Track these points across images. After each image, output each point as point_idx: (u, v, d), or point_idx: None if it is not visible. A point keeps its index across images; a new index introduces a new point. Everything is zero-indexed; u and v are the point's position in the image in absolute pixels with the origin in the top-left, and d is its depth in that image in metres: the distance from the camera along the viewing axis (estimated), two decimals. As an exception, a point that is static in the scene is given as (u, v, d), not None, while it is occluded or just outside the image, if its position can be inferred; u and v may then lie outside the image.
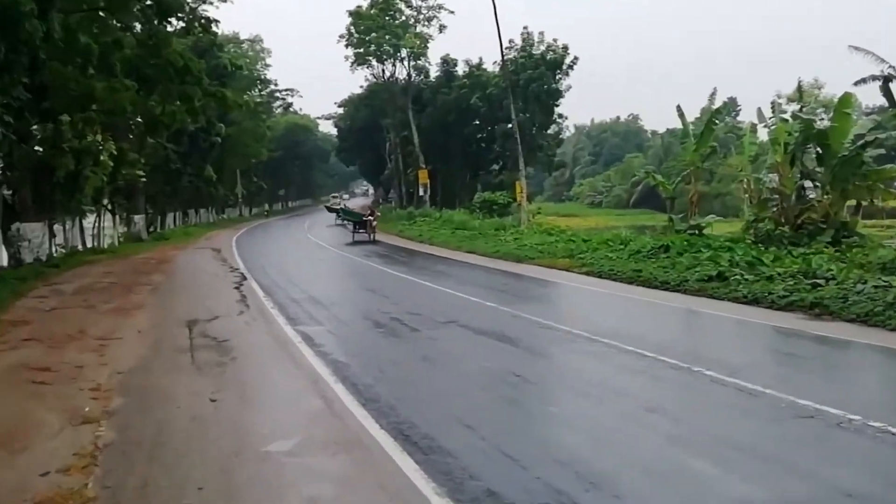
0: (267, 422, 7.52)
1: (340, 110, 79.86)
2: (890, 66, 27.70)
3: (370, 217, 36.61)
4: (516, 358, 10.24)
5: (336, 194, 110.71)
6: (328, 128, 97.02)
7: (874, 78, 28.45)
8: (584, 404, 8.02)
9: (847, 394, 8.08)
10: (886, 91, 29.21)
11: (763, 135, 29.92)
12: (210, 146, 49.71)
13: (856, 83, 29.16)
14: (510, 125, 41.47)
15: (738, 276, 15.40)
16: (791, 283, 14.23)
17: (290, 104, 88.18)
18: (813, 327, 11.79)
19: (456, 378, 9.22)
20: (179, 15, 24.70)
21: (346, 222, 45.36)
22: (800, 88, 42.61)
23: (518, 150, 37.46)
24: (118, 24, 23.49)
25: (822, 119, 33.59)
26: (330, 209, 63.66)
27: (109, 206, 36.90)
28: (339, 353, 10.52)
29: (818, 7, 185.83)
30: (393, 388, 8.66)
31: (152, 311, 15.26)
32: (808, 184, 25.01)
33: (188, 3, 29.78)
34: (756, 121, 28.87)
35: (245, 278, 20.29)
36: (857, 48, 27.97)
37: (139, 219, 39.30)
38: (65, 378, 9.31)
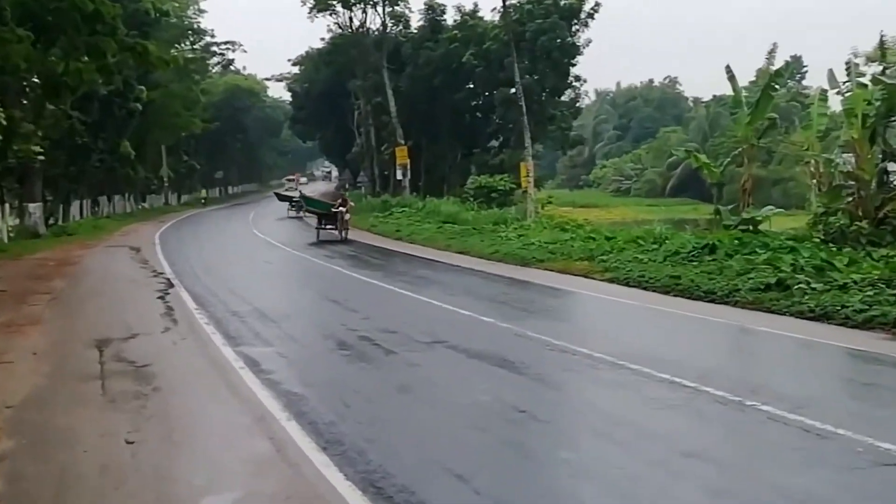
0: (199, 470, 7.50)
1: (296, 70, 79.98)
2: None
3: (341, 208, 35.55)
4: (521, 389, 10.23)
5: (291, 177, 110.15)
6: (280, 92, 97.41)
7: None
8: (606, 448, 8.01)
9: (940, 435, 8.12)
10: None
11: (836, 104, 30.05)
12: (128, 115, 49.54)
13: (954, 38, 29.34)
14: (514, 90, 41.54)
15: (803, 285, 15.44)
16: (870, 293, 14.26)
17: (232, 61, 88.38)
18: (898, 350, 11.85)
19: (443, 414, 9.20)
20: (87, -54, 24.47)
21: (304, 214, 45.16)
22: (882, 45, 42.80)
23: (523, 123, 37.78)
24: (8, -42, 23.28)
25: (911, 84, 33.72)
26: (282, 197, 63.11)
27: (-4, 192, 36.63)
28: (293, 383, 10.46)
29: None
30: (362, 427, 8.62)
31: (52, 327, 15.17)
32: (892, 167, 25.13)
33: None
34: (827, 86, 28.96)
35: (172, 286, 20.23)
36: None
37: (35, 208, 38.98)
38: (-62, 414, 9.22)
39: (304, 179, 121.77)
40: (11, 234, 37.02)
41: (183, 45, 66.36)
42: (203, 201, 79.06)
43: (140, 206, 66.04)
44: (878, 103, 24.09)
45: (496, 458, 7.76)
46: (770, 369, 11.76)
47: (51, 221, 43.32)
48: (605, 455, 7.80)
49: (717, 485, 6.93)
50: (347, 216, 35.33)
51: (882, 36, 39.57)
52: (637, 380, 10.39)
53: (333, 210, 35.98)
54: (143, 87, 48.28)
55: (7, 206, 38.38)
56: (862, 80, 26.93)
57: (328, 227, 35.84)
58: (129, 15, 35.82)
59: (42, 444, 8.29)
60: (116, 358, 12.10)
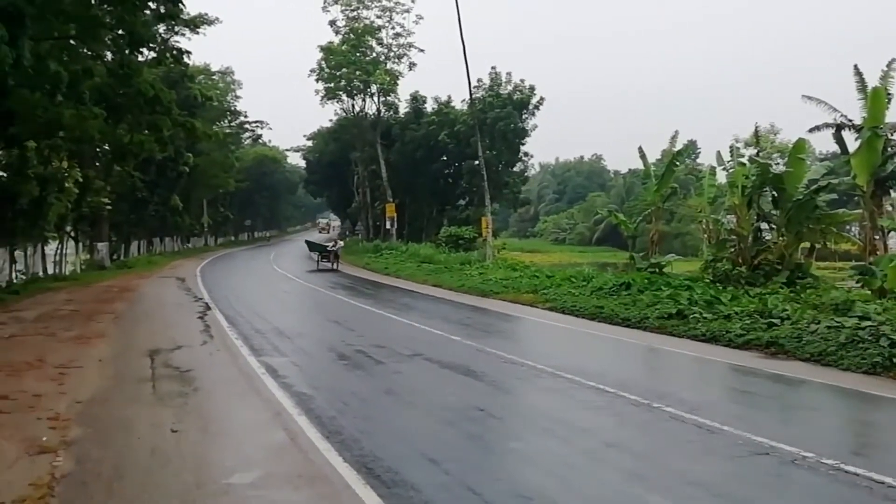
0: (229, 454, 7.43)
1: (310, 143, 79.92)
2: (841, 115, 28.58)
3: None
4: (480, 392, 10.22)
5: (325, 220, 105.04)
6: (297, 160, 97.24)
7: (827, 126, 29.31)
8: (546, 440, 7.99)
9: (802, 431, 8.24)
10: (839, 138, 30.13)
11: (721, 177, 30.59)
12: (178, 175, 49.28)
13: (810, 130, 30.01)
14: (477, 162, 41.81)
15: (696, 315, 15.60)
16: (748, 322, 14.47)
17: (260, 136, 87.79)
18: (769, 366, 11.99)
19: (420, 412, 9.17)
20: (151, 45, 24.60)
21: (335, 265, 37.56)
22: (756, 133, 43.75)
23: (484, 187, 37.93)
24: (89, 53, 23.34)
25: (778, 164, 34.52)
26: (313, 246, 42.75)
27: (73, 234, 36.34)
28: (303, 386, 10.41)
29: (778, 56, 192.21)
30: (357, 421, 8.59)
31: (114, 339, 15.01)
32: (764, 226, 25.57)
33: (160, 34, 29.85)
34: (715, 164, 29.55)
35: (209, 308, 20.02)
36: (810, 97, 28.83)
37: (102, 246, 38.61)
38: (22, 407, 9.12)
39: (333, 222, 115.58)
40: (83, 267, 36.75)
41: (222, 122, 66.23)
42: (268, 238, 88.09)
43: (185, 246, 65.32)
44: (753, 178, 24.55)
45: (461, 446, 7.73)
46: (672, 379, 11.86)
47: (114, 257, 42.87)
48: (546, 445, 7.79)
49: (633, 468, 6.96)
50: None
51: (756, 126, 40.26)
52: (570, 386, 10.40)
53: None
54: (190, 154, 48.03)
55: (80, 244, 38.06)
56: (741, 159, 27.48)
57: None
58: (181, 99, 35.82)
59: (104, 431, 8.18)
60: (164, 364, 12.02)
